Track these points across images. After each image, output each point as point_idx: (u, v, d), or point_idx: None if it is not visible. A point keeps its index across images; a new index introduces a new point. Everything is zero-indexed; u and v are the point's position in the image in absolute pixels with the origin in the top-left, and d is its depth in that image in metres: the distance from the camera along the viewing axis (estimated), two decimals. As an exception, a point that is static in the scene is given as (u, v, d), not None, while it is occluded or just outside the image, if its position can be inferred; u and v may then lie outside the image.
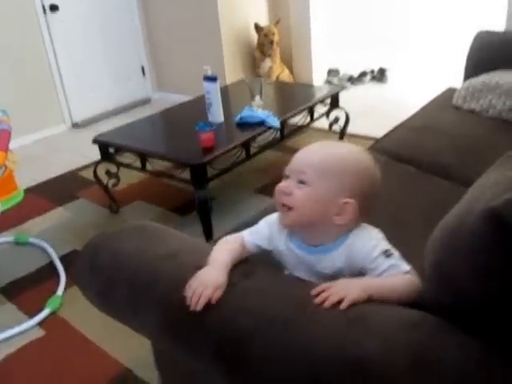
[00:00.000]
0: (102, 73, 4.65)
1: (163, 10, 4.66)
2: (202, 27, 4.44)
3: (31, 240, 2.64)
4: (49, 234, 2.72)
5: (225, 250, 1.04)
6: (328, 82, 4.88)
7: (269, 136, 2.79)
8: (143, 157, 2.60)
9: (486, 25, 2.93)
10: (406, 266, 0.98)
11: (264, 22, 4.61)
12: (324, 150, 1.04)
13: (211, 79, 2.66)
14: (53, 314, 2.11)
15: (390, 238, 1.04)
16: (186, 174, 2.46)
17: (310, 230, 1.02)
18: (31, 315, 2.10)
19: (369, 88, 4.89)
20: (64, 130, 4.41)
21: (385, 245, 1.00)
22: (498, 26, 3.41)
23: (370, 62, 5.00)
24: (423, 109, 2.64)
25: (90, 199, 3.10)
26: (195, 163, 2.36)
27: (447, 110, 2.56)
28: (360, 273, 1.00)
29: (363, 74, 4.99)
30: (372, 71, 5.02)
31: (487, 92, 2.43)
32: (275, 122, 2.69)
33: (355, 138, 3.51)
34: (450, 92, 2.71)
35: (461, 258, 0.77)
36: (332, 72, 4.98)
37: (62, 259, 2.46)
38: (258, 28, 4.45)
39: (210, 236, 2.46)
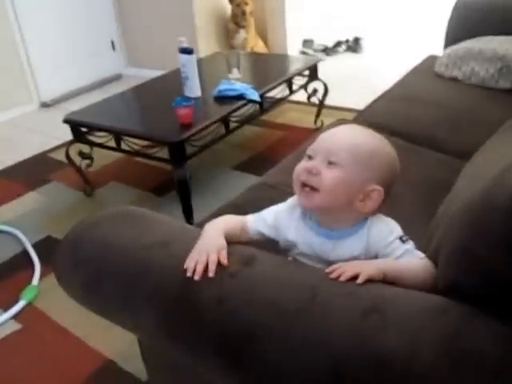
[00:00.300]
0: (69, 48, 4.44)
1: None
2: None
3: (1, 227, 2.51)
4: (21, 220, 2.60)
5: (220, 223, 0.99)
6: (303, 52, 4.78)
7: (247, 110, 2.68)
8: (118, 136, 2.47)
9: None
10: (421, 254, 0.94)
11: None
12: (356, 134, 0.97)
13: (187, 51, 2.53)
14: (29, 305, 2.01)
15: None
16: (163, 153, 2.36)
17: (328, 213, 0.96)
18: (6, 308, 1.99)
19: (344, 58, 4.81)
20: (32, 110, 4.23)
21: (400, 231, 0.95)
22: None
23: (345, 32, 4.91)
24: (405, 78, 2.58)
25: (63, 182, 2.97)
26: (174, 141, 2.25)
27: (430, 78, 2.51)
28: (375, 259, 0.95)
29: (338, 44, 4.90)
30: (347, 41, 4.93)
31: (469, 59, 2.38)
32: (255, 96, 2.58)
33: (333, 109, 3.43)
34: (432, 60, 2.65)
35: (494, 233, 0.70)
36: (307, 43, 4.88)
37: (36, 246, 2.34)
38: (230, -3, 4.30)
39: (190, 216, 2.37)
